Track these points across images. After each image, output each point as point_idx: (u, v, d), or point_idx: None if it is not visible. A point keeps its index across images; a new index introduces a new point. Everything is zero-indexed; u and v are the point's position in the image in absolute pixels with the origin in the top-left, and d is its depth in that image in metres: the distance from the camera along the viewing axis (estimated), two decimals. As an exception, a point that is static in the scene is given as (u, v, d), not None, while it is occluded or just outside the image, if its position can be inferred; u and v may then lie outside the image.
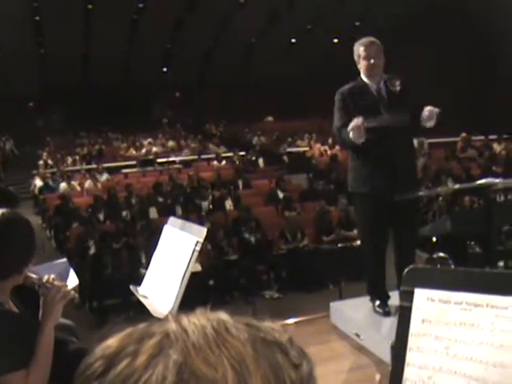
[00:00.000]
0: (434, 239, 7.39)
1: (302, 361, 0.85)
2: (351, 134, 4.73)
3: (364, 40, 5.05)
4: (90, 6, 24.29)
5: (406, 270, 1.46)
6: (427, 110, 4.76)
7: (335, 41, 29.09)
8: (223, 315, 0.86)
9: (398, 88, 4.99)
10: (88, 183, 17.84)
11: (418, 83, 5.28)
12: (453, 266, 7.15)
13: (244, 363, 0.78)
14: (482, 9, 19.29)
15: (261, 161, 21.28)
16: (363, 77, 5.08)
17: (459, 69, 21.64)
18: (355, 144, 4.77)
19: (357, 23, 26.90)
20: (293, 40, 30.10)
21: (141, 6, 25.63)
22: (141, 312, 3.29)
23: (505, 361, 1.30)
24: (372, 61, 4.95)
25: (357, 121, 4.68)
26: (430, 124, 4.83)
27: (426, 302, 1.41)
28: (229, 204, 14.77)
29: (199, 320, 0.83)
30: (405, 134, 4.99)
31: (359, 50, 5.01)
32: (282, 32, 27.85)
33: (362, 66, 5.03)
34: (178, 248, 3.30)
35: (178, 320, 0.84)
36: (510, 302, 1.31)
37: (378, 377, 4.32)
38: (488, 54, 21.46)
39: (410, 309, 1.43)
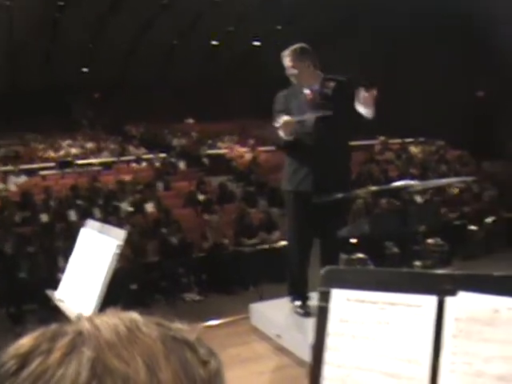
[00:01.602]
0: (353, 240, 7.51)
1: (210, 358, 0.87)
2: (280, 132, 4.80)
3: (284, 51, 5.12)
4: (8, 3, 23.69)
5: (324, 270, 1.48)
6: (361, 95, 4.79)
7: (256, 44, 29.20)
8: (134, 315, 0.87)
9: (331, 90, 5.05)
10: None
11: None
12: (371, 267, 7.28)
13: (155, 359, 0.80)
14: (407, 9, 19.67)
15: (181, 163, 21.18)
16: (294, 81, 5.15)
17: (377, 71, 22.01)
18: (289, 143, 4.86)
19: (278, 27, 27.07)
20: (214, 42, 30.09)
21: (62, 3, 25.13)
22: (58, 317, 3.23)
23: (419, 357, 1.33)
24: (288, 72, 5.05)
25: (284, 118, 4.76)
26: (368, 111, 4.87)
27: (344, 302, 1.43)
28: (149, 206, 14.65)
29: (111, 319, 0.85)
30: (334, 136, 5.04)
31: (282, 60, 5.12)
32: (204, 34, 27.80)
33: (293, 74, 5.11)
34: (96, 251, 3.25)
35: (91, 319, 0.85)
36: (424, 300, 1.34)
37: (303, 379, 4.38)
38: (405, 57, 21.90)
39: (327, 309, 1.45)
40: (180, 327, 0.89)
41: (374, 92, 4.76)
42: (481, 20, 17.70)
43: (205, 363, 0.85)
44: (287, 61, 5.06)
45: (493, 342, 1.26)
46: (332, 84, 5.08)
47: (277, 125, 4.83)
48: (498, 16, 17.51)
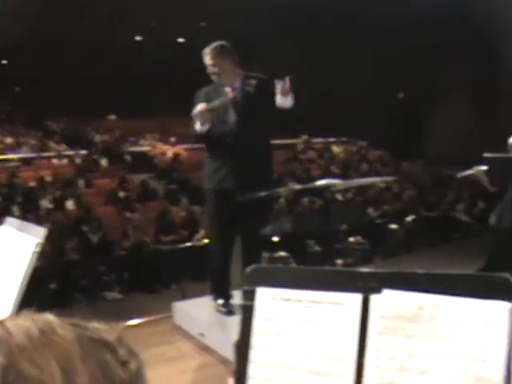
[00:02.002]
0: (276, 239, 7.54)
1: (130, 359, 0.85)
2: (196, 122, 4.77)
3: (205, 49, 5.09)
4: None
5: (249, 269, 1.47)
6: (277, 85, 4.85)
7: (180, 40, 29.04)
8: (49, 316, 0.84)
9: (253, 88, 5.05)
10: None
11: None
12: (293, 265, 7.33)
13: (71, 362, 0.77)
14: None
15: (103, 160, 20.91)
16: (215, 79, 5.13)
17: (301, 70, 22.18)
18: (205, 133, 4.83)
19: (202, 23, 26.98)
20: (137, 38, 29.79)
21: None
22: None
23: (345, 354, 1.34)
24: (208, 70, 5.03)
25: (200, 106, 4.74)
26: (287, 101, 4.92)
27: (269, 300, 1.43)
28: (69, 204, 14.40)
29: (24, 322, 0.81)
30: (256, 134, 5.05)
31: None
32: (127, 30, 27.50)
33: (214, 73, 5.09)
34: (15, 250, 3.17)
35: (2, 323, 0.81)
36: (349, 298, 1.35)
37: (230, 382, 4.36)
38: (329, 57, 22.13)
39: (252, 307, 1.44)
40: (98, 327, 0.86)
41: (287, 81, 4.82)
42: (404, 21, 18.04)
43: (125, 364, 0.83)
44: (207, 59, 5.03)
45: (416, 338, 1.28)
46: (253, 82, 5.08)
47: (192, 114, 4.81)
48: (421, 17, 17.90)
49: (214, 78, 5.08)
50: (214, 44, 5.07)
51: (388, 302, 1.31)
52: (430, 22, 17.94)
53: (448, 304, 1.26)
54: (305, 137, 19.31)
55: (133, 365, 0.85)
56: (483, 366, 1.22)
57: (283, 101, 4.90)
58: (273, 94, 4.95)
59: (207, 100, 5.02)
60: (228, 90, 5.05)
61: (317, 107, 22.39)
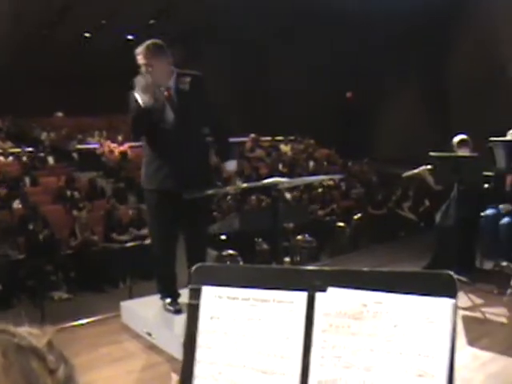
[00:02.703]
0: (224, 237, 7.55)
1: (59, 365, 0.82)
2: (140, 97, 4.71)
3: (137, 48, 5.01)
4: None
5: (194, 267, 1.47)
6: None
7: (130, 38, 28.77)
8: None
9: (188, 85, 5.02)
10: None
11: (213, 83, 5.35)
12: (242, 263, 7.34)
13: None
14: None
15: (50, 158, 20.61)
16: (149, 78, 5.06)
17: (249, 70, 22.23)
18: (147, 112, 4.76)
19: (151, 21, 26.77)
20: (86, 34, 29.43)
21: None
22: None
23: (290, 352, 1.35)
24: (142, 69, 4.95)
25: (146, 79, 4.70)
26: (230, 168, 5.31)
27: (214, 299, 1.43)
28: (15, 202, 14.17)
29: None
30: (194, 132, 5.03)
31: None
32: (75, 26, 27.15)
33: (148, 72, 5.01)
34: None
35: None
36: (294, 296, 1.36)
37: (174, 377, 4.36)
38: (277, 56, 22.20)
39: (198, 306, 1.44)
40: (28, 333, 0.82)
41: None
42: (354, 21, 18.19)
43: (53, 372, 0.80)
44: (140, 58, 4.95)
45: (361, 335, 1.29)
46: (188, 79, 5.05)
47: (140, 87, 4.74)
48: (370, 17, 18.07)
49: (147, 77, 5.00)
50: (147, 42, 4.98)
51: (333, 299, 1.32)
52: (378, 21, 18.13)
53: (392, 301, 1.27)
54: (253, 135, 19.30)
55: (62, 372, 0.81)
56: (427, 361, 1.24)
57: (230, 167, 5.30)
58: (207, 90, 5.01)
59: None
60: (162, 89, 5.01)
61: (265, 106, 22.46)
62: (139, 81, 4.80)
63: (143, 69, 4.90)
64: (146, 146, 5.10)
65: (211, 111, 5.13)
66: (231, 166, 5.43)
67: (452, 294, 1.24)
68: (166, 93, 4.97)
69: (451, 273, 1.26)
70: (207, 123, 5.15)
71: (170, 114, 4.93)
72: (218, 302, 1.43)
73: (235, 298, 1.41)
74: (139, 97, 4.75)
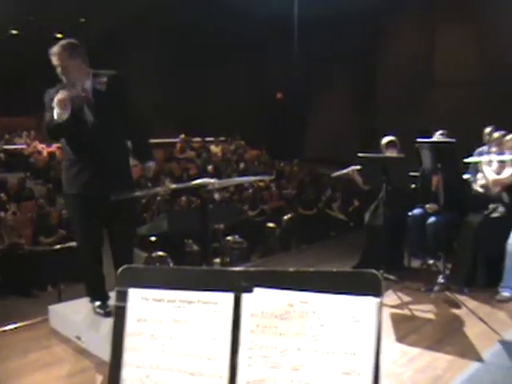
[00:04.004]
0: (153, 238, 7.50)
1: None
2: (56, 110, 4.59)
3: (52, 47, 4.90)
4: None
5: (120, 269, 1.45)
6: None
7: (58, 36, 28.31)
8: None
9: (105, 86, 4.94)
10: None
11: (140, 83, 5.29)
12: (171, 264, 7.31)
13: None
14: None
15: (-25, 159, 20.12)
16: (64, 79, 4.96)
17: (180, 70, 22.11)
18: (63, 123, 4.64)
19: (82, 19, 26.40)
20: (13, 31, 28.85)
21: None
22: None
23: (218, 353, 1.35)
24: (57, 69, 4.84)
25: (61, 93, 4.58)
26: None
27: (141, 301, 1.42)
28: None
29: None
30: (114, 132, 4.96)
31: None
32: (2, 23, 26.59)
33: (63, 74, 4.90)
34: None
35: None
36: (221, 297, 1.36)
37: (99, 378, 4.31)
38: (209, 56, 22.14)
39: (125, 309, 1.43)
40: None
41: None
42: (285, 23, 18.29)
43: None
44: (55, 58, 4.84)
45: (288, 335, 1.30)
46: (104, 80, 4.98)
47: (53, 103, 4.63)
48: (303, 18, 18.20)
49: (63, 77, 4.90)
50: (62, 42, 4.87)
51: (259, 300, 1.32)
52: (308, 23, 18.29)
53: (318, 301, 1.28)
54: (183, 136, 19.23)
55: None
56: (353, 359, 1.25)
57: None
58: (126, 90, 4.95)
59: None
60: (79, 88, 4.90)
61: (195, 106, 22.38)
62: (57, 95, 4.66)
63: (58, 70, 4.80)
64: (66, 148, 4.99)
65: (130, 111, 5.06)
66: (150, 168, 5.40)
67: (377, 293, 1.26)
68: (83, 94, 4.87)
69: (376, 272, 1.27)
70: (126, 124, 5.06)
71: (89, 116, 4.83)
72: (145, 305, 1.41)
73: (161, 299, 1.40)
74: (55, 111, 4.62)
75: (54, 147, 20.27)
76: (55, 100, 4.56)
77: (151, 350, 1.40)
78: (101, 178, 4.82)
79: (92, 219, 4.96)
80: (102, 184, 4.79)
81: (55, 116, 4.58)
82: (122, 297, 1.43)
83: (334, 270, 1.31)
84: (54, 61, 4.79)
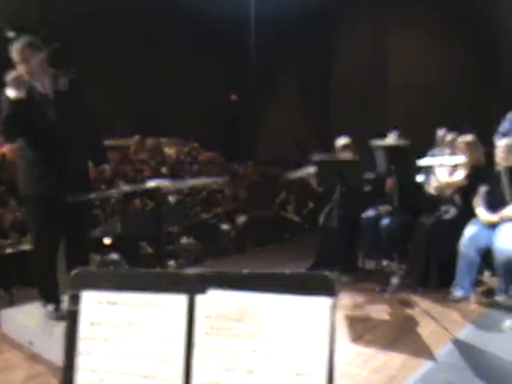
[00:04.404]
0: (107, 241, 7.43)
1: None
2: (10, 91, 4.53)
3: (14, 44, 4.85)
4: None
5: (73, 272, 1.43)
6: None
7: (11, 35, 27.87)
8: None
9: (65, 86, 4.90)
10: None
11: (94, 82, 5.24)
12: (126, 267, 7.26)
13: None
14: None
15: None
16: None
17: (137, 69, 21.94)
18: (18, 106, 4.57)
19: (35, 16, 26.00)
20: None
21: None
22: None
23: (172, 356, 1.34)
24: (18, 67, 4.78)
25: (15, 72, 4.54)
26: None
27: (94, 304, 1.40)
28: None
29: None
30: (75, 133, 4.92)
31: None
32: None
33: (24, 69, 4.84)
34: None
35: None
36: (175, 299, 1.35)
37: None
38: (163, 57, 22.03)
39: (78, 312, 1.41)
40: None
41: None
42: (238, 23, 18.29)
43: None
44: (15, 56, 4.79)
45: (242, 336, 1.30)
46: (64, 80, 4.94)
47: (7, 79, 4.56)
48: (255, 17, 18.20)
49: (23, 75, 4.86)
50: (23, 40, 4.83)
51: (213, 302, 1.32)
52: (262, 22, 18.34)
53: (272, 302, 1.29)
54: (137, 137, 19.09)
55: None
56: (306, 360, 1.26)
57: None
58: (84, 91, 4.94)
59: None
60: (39, 88, 4.86)
61: (150, 108, 22.25)
62: (10, 74, 4.60)
63: (20, 67, 4.73)
64: (26, 149, 4.93)
65: (87, 113, 5.03)
66: (105, 171, 5.40)
67: (330, 294, 1.26)
68: (42, 91, 4.83)
69: (329, 273, 1.28)
70: (85, 125, 5.03)
71: (50, 115, 4.78)
72: (98, 308, 1.40)
73: (115, 302, 1.39)
74: (10, 90, 4.56)
75: (6, 148, 19.98)
76: (8, 79, 4.51)
77: (105, 354, 1.39)
78: (62, 179, 4.77)
79: (51, 221, 4.91)
80: (64, 185, 4.74)
81: (11, 96, 4.52)
82: (75, 300, 1.41)
83: (288, 271, 1.32)
84: (14, 57, 4.73)
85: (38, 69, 4.77)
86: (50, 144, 4.77)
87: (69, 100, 4.85)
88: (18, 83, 4.53)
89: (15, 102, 4.55)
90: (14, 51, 4.75)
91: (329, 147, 8.12)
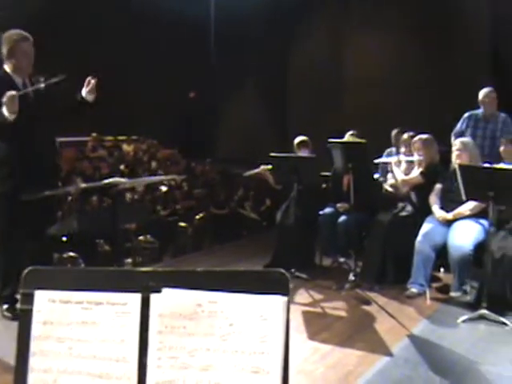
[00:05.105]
0: (64, 239, 7.36)
1: None
2: (5, 108, 4.52)
3: (5, 34, 4.86)
4: None
5: (25, 271, 1.42)
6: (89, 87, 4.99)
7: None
8: None
9: (43, 84, 4.89)
10: None
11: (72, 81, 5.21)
12: (83, 265, 7.20)
13: None
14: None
15: None
16: (8, 70, 4.89)
17: (94, 67, 21.75)
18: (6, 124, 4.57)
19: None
20: None
21: None
22: None
23: (126, 355, 1.33)
24: (5, 59, 4.79)
25: (10, 92, 4.52)
26: (91, 97, 5.04)
27: (47, 303, 1.39)
28: None
29: None
30: (48, 132, 4.91)
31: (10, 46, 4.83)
32: None
33: (11, 62, 4.84)
34: None
35: None
36: (129, 298, 1.34)
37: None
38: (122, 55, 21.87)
39: (30, 311, 1.39)
40: None
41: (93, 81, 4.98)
42: (196, 21, 18.23)
43: None
44: (4, 46, 4.81)
45: (197, 335, 1.29)
46: (42, 79, 4.94)
47: (4, 99, 4.56)
48: (216, 15, 18.15)
49: (7, 68, 4.87)
50: (15, 31, 4.86)
51: (167, 300, 1.31)
52: (222, 20, 18.33)
53: (226, 300, 1.29)
54: (94, 135, 18.92)
55: None
56: (262, 358, 1.26)
57: (88, 97, 5.02)
58: (61, 91, 4.92)
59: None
60: (19, 83, 4.87)
61: (108, 105, 22.06)
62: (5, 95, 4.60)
63: (6, 56, 4.75)
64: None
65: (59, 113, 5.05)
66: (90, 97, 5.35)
67: (284, 292, 1.27)
68: (21, 87, 4.84)
69: (283, 271, 1.28)
70: (58, 124, 5.04)
71: (26, 113, 4.76)
72: (52, 307, 1.38)
73: (68, 301, 1.38)
74: (5, 110, 4.56)
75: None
76: (6, 96, 4.50)
77: (58, 354, 1.37)
78: (33, 177, 4.74)
79: (18, 219, 4.87)
80: (34, 183, 4.70)
81: (5, 111, 4.52)
82: (28, 299, 1.40)
83: (242, 269, 1.32)
84: (3, 48, 4.75)
85: (25, 60, 4.82)
86: (22, 142, 4.75)
87: (45, 99, 4.85)
88: (12, 104, 4.53)
89: (4, 120, 4.55)
90: (4, 40, 4.78)
91: (287, 145, 8.14)
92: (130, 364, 1.33)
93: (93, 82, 5.02)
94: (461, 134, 7.62)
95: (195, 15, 17.96)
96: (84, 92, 5.01)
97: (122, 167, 15.73)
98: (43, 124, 4.86)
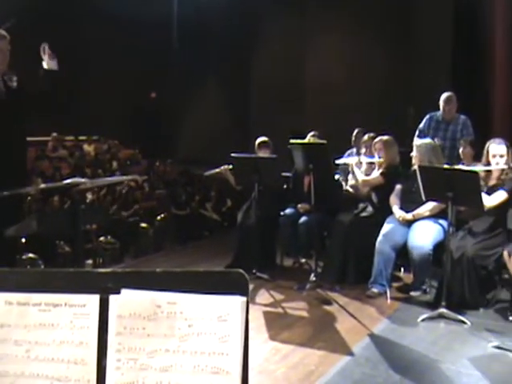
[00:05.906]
0: (23, 240, 7.28)
1: None
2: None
3: None
4: None
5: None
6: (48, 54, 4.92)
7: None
8: None
9: (15, 84, 4.86)
10: None
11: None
12: (42, 267, 7.12)
13: None
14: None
15: None
16: None
17: (69, 69, 21.55)
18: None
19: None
20: None
21: None
22: None
23: (85, 357, 1.32)
24: None
25: None
26: (54, 64, 4.99)
27: (4, 305, 1.37)
28: None
29: None
30: (19, 131, 4.89)
31: None
32: None
33: None
34: None
35: None
36: (87, 299, 1.33)
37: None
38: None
39: (-14, 314, 1.38)
40: None
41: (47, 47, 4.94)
42: (162, 21, 18.16)
43: None
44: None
45: (156, 336, 1.29)
46: (15, 78, 4.91)
47: None
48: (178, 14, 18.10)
49: None
50: None
51: (126, 301, 1.31)
52: (182, 20, 18.29)
53: (185, 301, 1.28)
54: (55, 134, 18.73)
55: None
56: (221, 359, 1.26)
57: (51, 64, 4.96)
58: (34, 90, 4.89)
59: None
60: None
61: (69, 104, 21.85)
62: None
63: None
64: None
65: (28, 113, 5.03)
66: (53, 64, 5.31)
67: (243, 292, 1.27)
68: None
69: (242, 271, 1.29)
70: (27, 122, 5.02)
71: None
72: (8, 309, 1.37)
73: (26, 303, 1.36)
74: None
75: None
76: None
77: (15, 357, 1.36)
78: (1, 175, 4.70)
79: None
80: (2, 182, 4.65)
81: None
82: (-17, 302, 1.38)
83: (201, 270, 1.32)
84: None
85: (2, 57, 4.79)
86: None
87: (17, 97, 4.83)
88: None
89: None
90: None
91: (248, 145, 8.15)
92: (88, 366, 1.32)
93: (47, 47, 4.95)
94: (423, 133, 7.73)
95: (158, 13, 17.88)
96: (45, 62, 4.94)
97: (83, 167, 15.60)
98: (15, 122, 4.83)
